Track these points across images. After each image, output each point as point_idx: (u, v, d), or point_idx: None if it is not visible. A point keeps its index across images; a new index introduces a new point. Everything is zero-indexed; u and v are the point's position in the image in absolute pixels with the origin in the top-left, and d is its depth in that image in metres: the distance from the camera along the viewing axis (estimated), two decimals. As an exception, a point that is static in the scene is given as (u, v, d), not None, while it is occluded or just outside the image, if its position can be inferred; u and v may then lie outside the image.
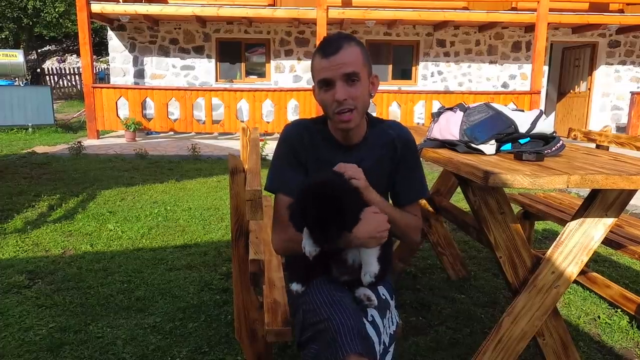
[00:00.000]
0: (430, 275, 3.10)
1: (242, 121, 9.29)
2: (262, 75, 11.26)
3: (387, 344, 1.40)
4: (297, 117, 9.89)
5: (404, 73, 11.38)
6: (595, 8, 10.15)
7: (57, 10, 21.19)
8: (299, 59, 11.05)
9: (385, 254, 1.48)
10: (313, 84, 1.52)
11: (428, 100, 9.49)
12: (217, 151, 8.12)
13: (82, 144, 7.79)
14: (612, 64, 11.20)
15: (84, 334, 2.32)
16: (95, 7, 9.25)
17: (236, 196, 1.64)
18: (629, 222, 2.66)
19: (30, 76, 16.98)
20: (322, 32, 9.08)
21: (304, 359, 1.32)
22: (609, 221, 1.72)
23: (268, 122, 9.53)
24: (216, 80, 11.06)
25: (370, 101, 1.53)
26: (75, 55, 24.43)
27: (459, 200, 4.15)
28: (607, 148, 2.94)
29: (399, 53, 11.28)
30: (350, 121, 1.44)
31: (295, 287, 1.43)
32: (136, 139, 9.29)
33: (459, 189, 2.31)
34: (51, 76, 20.62)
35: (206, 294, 2.76)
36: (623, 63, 11.23)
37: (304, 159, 1.53)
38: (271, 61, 11.10)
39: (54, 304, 2.60)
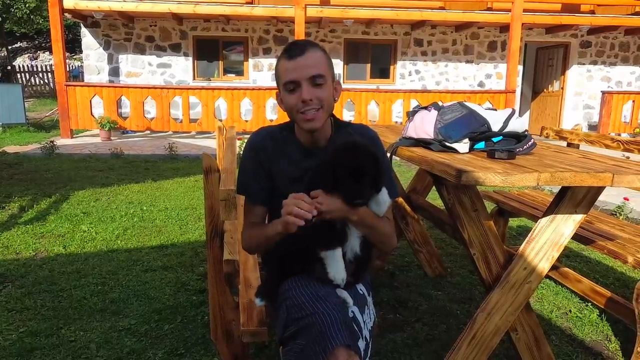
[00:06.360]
0: (407, 273, 3.13)
1: (221, 120, 9.21)
2: (240, 73, 11.17)
3: (368, 339, 1.41)
4: (275, 116, 9.86)
5: (382, 72, 11.45)
6: (567, 9, 10.38)
7: (27, 5, 20.54)
8: (277, 57, 10.98)
9: (365, 253, 1.48)
10: (278, 91, 1.52)
11: (406, 99, 9.57)
12: (195, 150, 8.02)
13: (55, 143, 7.59)
14: (584, 64, 11.48)
15: (55, 338, 2.26)
16: (68, 3, 9.02)
17: (210, 196, 1.62)
18: (599, 218, 2.73)
19: (0, 74, 16.49)
20: (300, 30, 9.06)
21: (285, 356, 1.31)
22: (579, 217, 1.76)
23: (246, 121, 9.46)
24: (193, 79, 10.92)
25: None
26: (47, 53, 23.80)
27: (435, 198, 4.19)
28: (577, 146, 3.02)
29: (377, 52, 11.33)
30: (315, 120, 1.45)
31: (259, 303, 1.49)
32: (111, 138, 9.11)
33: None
34: (22, 74, 20.06)
35: (182, 295, 2.73)
36: (594, 63, 11.52)
37: (267, 166, 1.54)
38: (249, 59, 11.02)
39: (24, 308, 2.54)
